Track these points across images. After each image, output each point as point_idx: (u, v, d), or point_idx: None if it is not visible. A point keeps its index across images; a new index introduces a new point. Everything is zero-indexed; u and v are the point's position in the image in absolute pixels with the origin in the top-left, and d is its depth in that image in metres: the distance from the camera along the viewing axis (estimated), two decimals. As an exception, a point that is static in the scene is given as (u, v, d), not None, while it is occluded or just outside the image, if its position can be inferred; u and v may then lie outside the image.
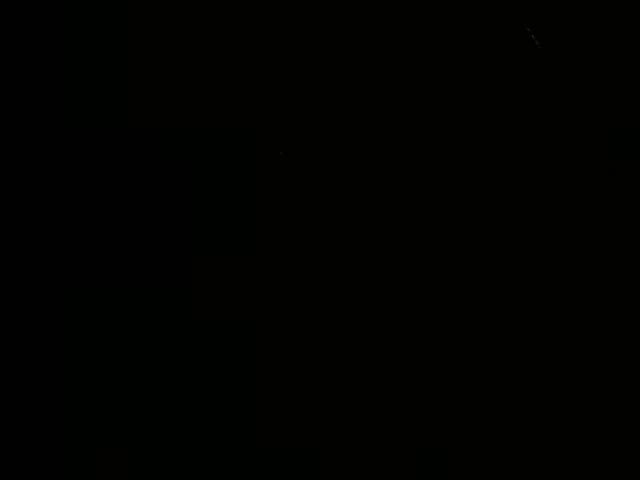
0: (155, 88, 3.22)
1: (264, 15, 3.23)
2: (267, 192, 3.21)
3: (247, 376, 3.05)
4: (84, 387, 3.00)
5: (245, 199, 3.21)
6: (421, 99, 3.22)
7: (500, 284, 3.10)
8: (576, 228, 3.10)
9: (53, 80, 3.19)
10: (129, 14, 3.21)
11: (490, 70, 3.19)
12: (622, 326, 3.00)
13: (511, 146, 3.16)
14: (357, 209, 3.21)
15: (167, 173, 3.21)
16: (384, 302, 3.14)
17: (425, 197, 3.19)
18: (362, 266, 3.18)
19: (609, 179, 3.10)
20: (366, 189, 3.21)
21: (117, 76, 3.22)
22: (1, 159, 3.14)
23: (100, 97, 3.20)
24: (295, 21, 3.23)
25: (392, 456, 2.96)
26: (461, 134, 3.20)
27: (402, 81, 3.24)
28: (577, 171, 3.12)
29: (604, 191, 3.10)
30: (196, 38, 3.21)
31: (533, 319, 3.05)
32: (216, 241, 3.19)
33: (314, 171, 3.22)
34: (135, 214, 3.17)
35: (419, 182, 3.20)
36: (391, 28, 3.23)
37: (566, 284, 3.07)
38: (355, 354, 3.07)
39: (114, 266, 3.14)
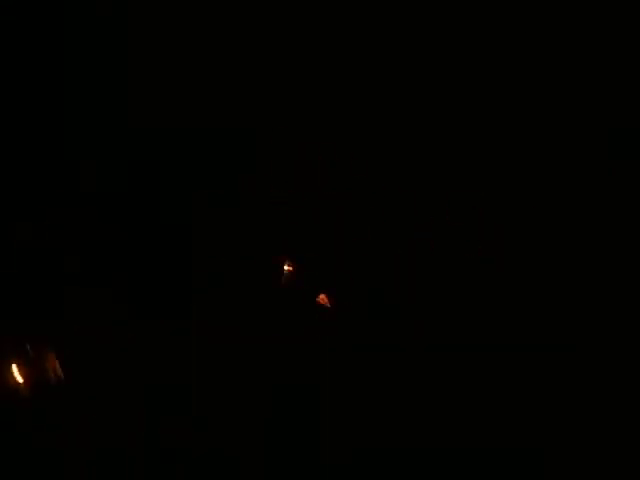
0: (155, 88, 3.21)
1: (264, 15, 3.23)
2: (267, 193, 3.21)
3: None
4: None
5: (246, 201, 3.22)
6: (421, 99, 3.22)
7: (500, 283, 3.09)
8: (576, 228, 3.09)
9: (53, 80, 3.19)
10: (129, 14, 3.20)
11: (490, 70, 3.19)
12: (622, 325, 3.00)
13: (511, 146, 3.16)
14: (357, 207, 3.21)
15: (167, 172, 3.21)
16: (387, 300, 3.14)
17: (425, 197, 3.19)
18: (364, 262, 3.18)
19: (609, 179, 3.10)
20: (366, 188, 3.21)
21: (117, 76, 3.21)
22: (1, 159, 3.13)
23: (100, 97, 3.20)
24: (295, 21, 3.23)
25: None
26: (461, 134, 3.20)
27: (402, 81, 3.24)
28: (577, 171, 3.12)
29: (604, 191, 3.10)
30: (196, 38, 3.21)
31: (533, 318, 3.05)
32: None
33: (314, 171, 3.22)
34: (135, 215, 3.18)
35: (419, 181, 3.20)
36: (391, 28, 3.22)
37: (566, 283, 3.06)
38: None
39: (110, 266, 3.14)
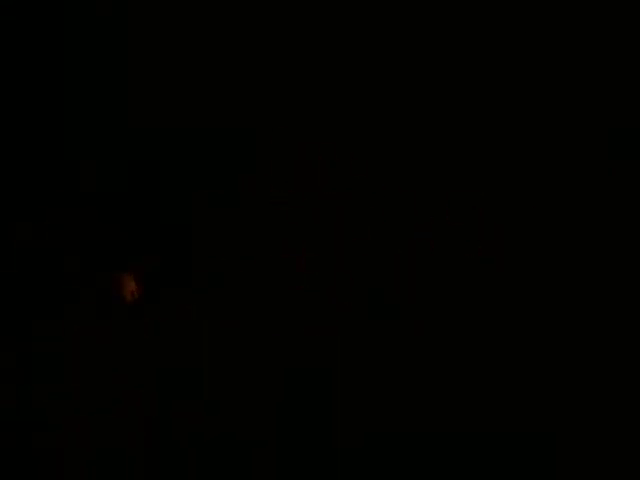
0: (155, 88, 3.22)
1: (264, 15, 3.23)
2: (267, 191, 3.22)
3: None
4: None
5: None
6: (421, 99, 3.22)
7: (500, 284, 3.10)
8: (576, 228, 3.10)
9: (53, 80, 3.19)
10: (129, 14, 3.21)
11: (490, 70, 3.19)
12: (622, 326, 3.00)
13: (511, 146, 3.16)
14: (357, 207, 3.21)
15: (167, 172, 3.22)
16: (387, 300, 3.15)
17: (425, 197, 3.19)
18: (364, 264, 3.18)
19: (609, 179, 3.10)
20: (366, 188, 3.21)
21: (117, 76, 3.22)
22: (1, 158, 3.14)
23: (100, 97, 3.20)
24: (295, 21, 3.23)
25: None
26: (461, 134, 3.20)
27: (402, 81, 3.24)
28: (577, 171, 3.12)
29: (604, 191, 3.10)
30: (196, 38, 3.21)
31: (533, 319, 3.05)
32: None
33: (314, 171, 3.23)
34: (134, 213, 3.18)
35: (419, 181, 3.20)
36: (391, 28, 3.23)
37: (566, 283, 3.07)
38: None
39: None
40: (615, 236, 3.07)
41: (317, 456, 2.98)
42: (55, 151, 3.17)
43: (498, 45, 3.17)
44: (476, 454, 2.93)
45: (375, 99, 3.24)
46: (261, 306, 3.15)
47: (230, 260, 3.19)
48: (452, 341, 3.07)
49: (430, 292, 3.12)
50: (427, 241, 3.15)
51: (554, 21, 3.15)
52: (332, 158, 3.22)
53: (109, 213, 3.17)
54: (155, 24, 3.20)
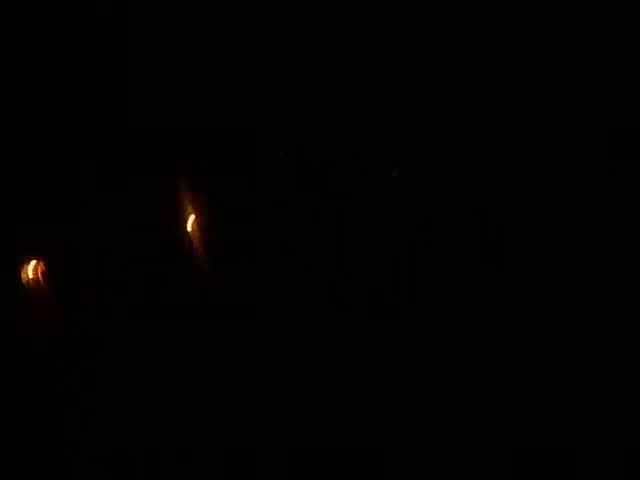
0: (155, 88, 3.22)
1: (264, 15, 3.23)
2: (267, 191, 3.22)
3: None
4: None
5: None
6: (421, 99, 3.22)
7: (500, 284, 3.10)
8: (576, 228, 3.10)
9: (53, 80, 3.19)
10: (129, 14, 3.21)
11: (490, 70, 3.19)
12: (622, 326, 3.00)
13: (511, 146, 3.16)
14: (355, 208, 3.21)
15: (167, 172, 3.22)
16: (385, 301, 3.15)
17: (425, 197, 3.19)
18: (363, 263, 3.19)
19: (609, 179, 3.10)
20: (366, 188, 3.22)
21: (117, 76, 3.22)
22: (1, 159, 3.14)
23: (100, 97, 3.20)
24: (295, 21, 3.24)
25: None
26: (461, 134, 3.20)
27: (402, 82, 3.24)
28: (577, 171, 3.12)
29: (604, 191, 3.10)
30: (196, 38, 3.21)
31: (532, 319, 3.05)
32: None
33: (313, 170, 3.23)
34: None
35: (418, 182, 3.21)
36: (391, 28, 3.23)
37: (566, 282, 3.07)
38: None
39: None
40: (615, 235, 3.07)
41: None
42: (55, 151, 3.17)
43: (498, 46, 3.17)
44: (475, 452, 2.92)
45: (375, 100, 3.24)
46: (261, 306, 3.15)
47: (230, 260, 3.19)
48: (452, 341, 3.07)
49: (430, 292, 3.12)
50: (427, 241, 3.15)
51: (554, 21, 3.15)
52: (332, 158, 3.23)
53: (109, 213, 3.17)
54: (155, 24, 3.20)
